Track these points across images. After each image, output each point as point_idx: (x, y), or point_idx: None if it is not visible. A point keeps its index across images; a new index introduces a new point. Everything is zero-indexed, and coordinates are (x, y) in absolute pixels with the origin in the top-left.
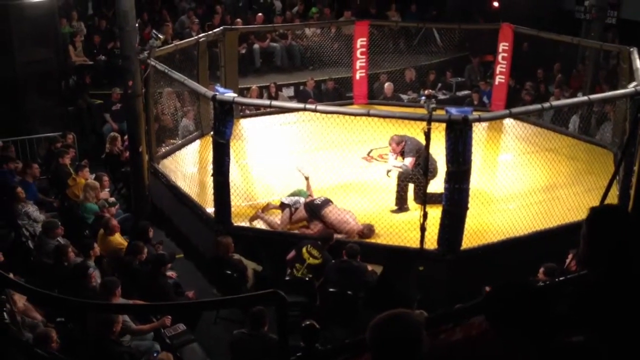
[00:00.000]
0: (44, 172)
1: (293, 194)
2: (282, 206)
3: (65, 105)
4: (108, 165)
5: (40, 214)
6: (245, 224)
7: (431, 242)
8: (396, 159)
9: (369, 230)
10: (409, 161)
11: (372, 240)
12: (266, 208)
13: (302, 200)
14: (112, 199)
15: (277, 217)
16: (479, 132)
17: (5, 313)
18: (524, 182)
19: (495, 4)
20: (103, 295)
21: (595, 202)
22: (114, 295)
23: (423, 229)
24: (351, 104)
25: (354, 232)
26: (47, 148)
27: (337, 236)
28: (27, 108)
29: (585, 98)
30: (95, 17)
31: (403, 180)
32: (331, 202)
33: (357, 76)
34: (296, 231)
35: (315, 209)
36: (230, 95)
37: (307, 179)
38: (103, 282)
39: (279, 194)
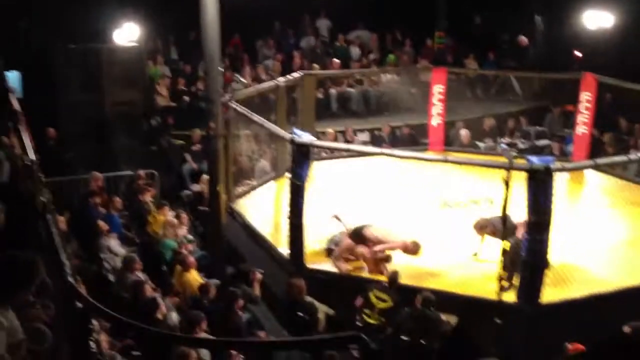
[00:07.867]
0: (127, 208)
1: (331, 239)
2: (329, 252)
3: (148, 145)
4: (188, 204)
5: (121, 248)
6: (317, 266)
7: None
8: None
9: (414, 245)
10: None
11: (449, 290)
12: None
13: (339, 235)
14: (190, 237)
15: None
16: (560, 183)
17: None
18: (608, 236)
19: (578, 54)
20: (187, 329)
21: None
22: (198, 330)
23: (500, 279)
24: (426, 150)
25: (399, 244)
26: (129, 185)
27: (380, 247)
28: (113, 146)
29: None
30: (179, 62)
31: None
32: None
33: (434, 123)
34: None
35: (358, 230)
36: (308, 138)
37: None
38: (188, 316)
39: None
